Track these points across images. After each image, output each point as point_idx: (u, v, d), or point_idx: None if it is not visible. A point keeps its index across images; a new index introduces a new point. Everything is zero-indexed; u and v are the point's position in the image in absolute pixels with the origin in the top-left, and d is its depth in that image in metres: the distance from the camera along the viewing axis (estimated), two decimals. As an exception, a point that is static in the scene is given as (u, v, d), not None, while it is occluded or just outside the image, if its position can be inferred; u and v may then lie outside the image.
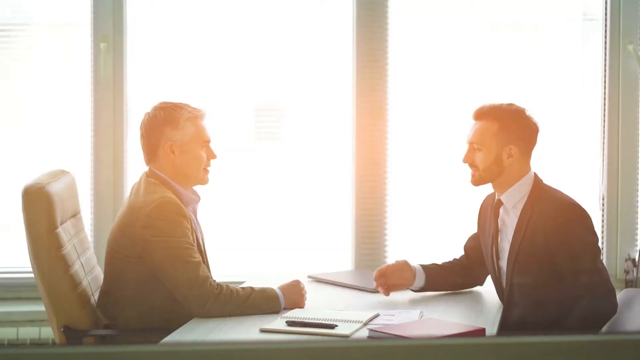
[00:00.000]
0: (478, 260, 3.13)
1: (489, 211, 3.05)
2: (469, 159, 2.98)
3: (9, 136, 4.20)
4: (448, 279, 3.14)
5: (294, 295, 2.90)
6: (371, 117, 4.14)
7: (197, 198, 3.00)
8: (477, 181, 2.98)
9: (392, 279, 3.07)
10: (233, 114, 4.21)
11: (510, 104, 2.98)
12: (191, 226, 2.88)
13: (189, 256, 2.81)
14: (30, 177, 2.94)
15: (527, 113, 2.97)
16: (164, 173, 2.93)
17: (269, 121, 4.29)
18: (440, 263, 3.17)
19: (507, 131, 2.93)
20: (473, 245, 3.16)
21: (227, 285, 2.83)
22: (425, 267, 3.12)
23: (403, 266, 3.09)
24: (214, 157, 3.00)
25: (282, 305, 2.86)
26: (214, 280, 2.83)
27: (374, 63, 4.14)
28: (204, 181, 2.99)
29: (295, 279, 2.95)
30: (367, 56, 4.13)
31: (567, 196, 2.92)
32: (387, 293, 3.06)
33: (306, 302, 2.92)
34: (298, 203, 4.23)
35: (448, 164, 4.18)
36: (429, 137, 4.25)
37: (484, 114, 2.97)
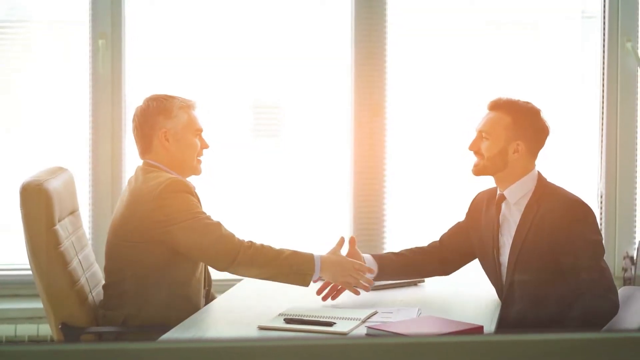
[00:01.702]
0: (451, 249, 3.12)
1: (484, 206, 3.05)
2: (475, 147, 2.97)
3: (7, 133, 4.20)
4: (404, 267, 3.11)
5: (338, 273, 2.88)
6: (369, 115, 4.14)
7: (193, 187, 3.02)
8: (479, 171, 2.97)
9: None
10: (232, 111, 4.21)
11: (528, 102, 2.98)
12: (199, 202, 2.91)
13: (208, 219, 2.85)
14: (28, 174, 2.94)
15: (542, 114, 2.96)
16: (160, 163, 2.95)
17: (268, 119, 4.29)
18: (397, 251, 3.16)
19: (519, 127, 2.93)
20: (453, 233, 3.15)
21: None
22: (376, 256, 3.10)
23: (352, 255, 3.05)
24: (207, 146, 3.02)
25: (317, 272, 2.84)
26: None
27: (373, 61, 4.14)
28: (197, 171, 3.00)
29: (352, 260, 2.93)
30: (366, 54, 4.13)
31: (574, 194, 2.92)
32: (334, 297, 2.93)
33: (308, 301, 2.91)
34: (297, 200, 4.23)
35: (446, 161, 4.18)
36: (427, 134, 4.25)
37: (499, 105, 2.96)
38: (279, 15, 4.19)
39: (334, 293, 2.94)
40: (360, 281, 2.90)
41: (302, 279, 2.84)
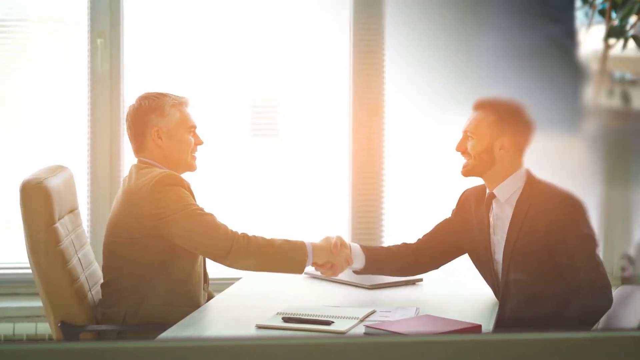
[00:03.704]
0: (440, 248, 3.11)
1: (473, 205, 3.05)
2: (461, 147, 2.99)
3: (5, 132, 4.20)
4: (391, 263, 3.11)
5: (329, 255, 2.94)
6: (368, 114, 4.14)
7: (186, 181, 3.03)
8: (468, 171, 2.98)
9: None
10: (230, 111, 4.21)
11: (511, 99, 2.99)
12: (193, 196, 2.91)
13: (201, 210, 2.85)
14: (27, 172, 2.94)
15: (526, 110, 2.98)
16: (154, 161, 2.95)
17: (266, 118, 4.29)
18: (385, 246, 3.17)
19: (503, 124, 2.94)
20: (440, 230, 3.14)
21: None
22: (365, 248, 3.10)
23: (337, 242, 3.04)
24: (201, 142, 3.03)
25: (310, 257, 2.89)
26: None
27: (371, 60, 4.14)
28: (192, 167, 3.01)
29: (333, 238, 2.98)
30: (364, 53, 4.13)
31: (563, 189, 2.93)
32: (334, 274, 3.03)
33: (306, 300, 2.92)
34: (295, 199, 4.23)
35: (444, 160, 4.18)
36: (426, 133, 4.24)
37: (483, 105, 2.99)
38: (278, 15, 4.19)
39: (332, 270, 2.98)
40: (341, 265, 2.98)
41: (297, 266, 2.88)
